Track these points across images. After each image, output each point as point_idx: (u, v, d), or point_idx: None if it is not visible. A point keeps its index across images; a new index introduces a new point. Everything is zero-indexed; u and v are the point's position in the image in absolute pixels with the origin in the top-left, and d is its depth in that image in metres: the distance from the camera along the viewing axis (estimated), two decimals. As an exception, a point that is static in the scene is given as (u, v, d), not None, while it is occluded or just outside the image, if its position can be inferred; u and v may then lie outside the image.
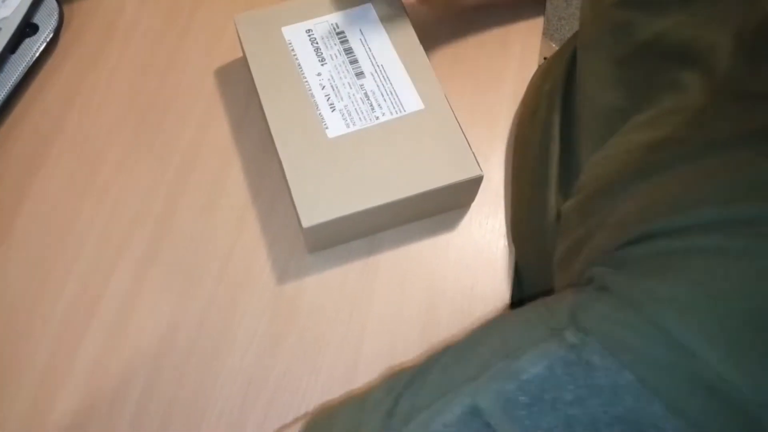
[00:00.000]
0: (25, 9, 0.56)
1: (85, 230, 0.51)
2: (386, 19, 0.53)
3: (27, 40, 0.57)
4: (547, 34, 0.68)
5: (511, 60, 0.59)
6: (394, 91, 0.50)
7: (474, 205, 0.53)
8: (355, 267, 0.50)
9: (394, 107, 0.49)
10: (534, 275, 0.51)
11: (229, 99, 0.57)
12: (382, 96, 0.50)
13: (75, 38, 0.59)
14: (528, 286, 0.52)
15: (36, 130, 0.55)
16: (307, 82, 0.51)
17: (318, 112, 0.49)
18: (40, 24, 0.57)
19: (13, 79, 0.55)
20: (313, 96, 0.50)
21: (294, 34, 0.53)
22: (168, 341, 0.47)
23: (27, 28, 0.57)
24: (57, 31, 0.58)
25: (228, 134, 0.55)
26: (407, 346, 0.48)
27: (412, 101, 0.49)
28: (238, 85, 0.58)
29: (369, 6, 0.54)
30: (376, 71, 0.51)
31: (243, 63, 0.58)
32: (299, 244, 0.51)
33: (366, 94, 0.50)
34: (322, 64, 0.51)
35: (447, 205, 0.51)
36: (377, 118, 0.49)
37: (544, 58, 0.74)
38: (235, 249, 0.51)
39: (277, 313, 0.48)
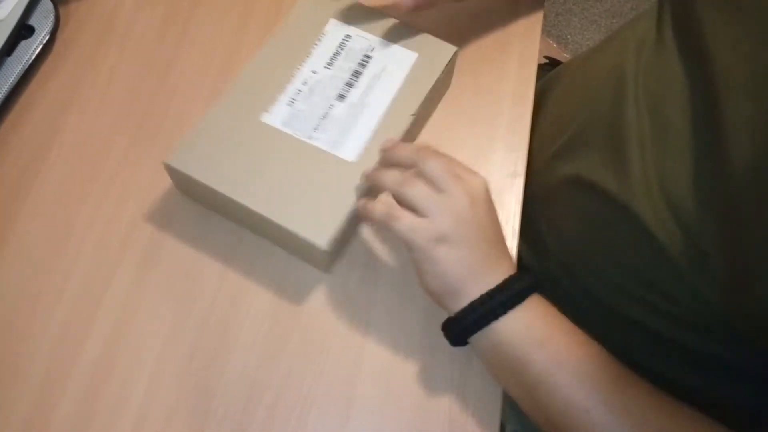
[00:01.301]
0: (20, 11, 0.56)
1: (86, 232, 0.51)
2: (414, 75, 0.51)
3: (23, 43, 0.56)
4: (544, 30, 0.68)
5: (510, 59, 0.59)
6: (348, 131, 0.49)
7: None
8: (357, 270, 0.50)
9: (332, 142, 0.48)
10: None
11: (228, 100, 0.57)
12: (335, 126, 0.49)
13: (72, 40, 0.59)
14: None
15: (33, 132, 0.55)
16: (299, 70, 0.51)
17: (277, 96, 0.50)
18: (36, 26, 0.57)
19: (9, 82, 0.55)
20: (289, 82, 0.50)
21: (335, 30, 0.53)
22: (170, 344, 0.47)
23: (23, 31, 0.57)
24: (53, 33, 0.58)
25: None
26: (409, 348, 0.47)
27: (351, 150, 0.48)
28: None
29: (416, 55, 0.52)
30: (355, 105, 0.50)
31: (242, 62, 0.58)
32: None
33: (326, 115, 0.49)
34: (325, 67, 0.51)
35: (301, 252, 0.49)
36: (310, 138, 0.48)
37: (545, 57, 0.74)
38: (237, 251, 0.50)
39: (278, 314, 0.48)
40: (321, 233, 0.45)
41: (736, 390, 0.43)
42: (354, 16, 0.53)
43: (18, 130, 0.55)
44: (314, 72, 0.51)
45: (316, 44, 0.52)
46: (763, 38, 0.38)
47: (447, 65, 0.52)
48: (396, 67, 0.51)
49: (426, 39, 0.53)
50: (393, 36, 0.53)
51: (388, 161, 0.46)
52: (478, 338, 0.42)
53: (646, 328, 0.42)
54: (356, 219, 0.47)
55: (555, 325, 0.42)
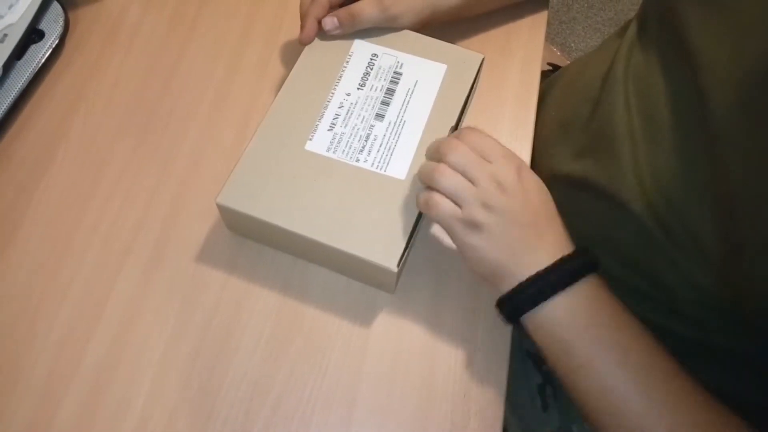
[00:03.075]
0: (31, 16, 0.57)
1: (90, 234, 0.51)
2: (447, 87, 0.51)
3: (33, 47, 0.57)
4: (548, 38, 0.68)
5: (513, 65, 0.59)
6: (393, 149, 0.49)
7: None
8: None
9: (380, 162, 0.48)
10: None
11: (234, 103, 0.57)
12: (380, 146, 0.49)
13: (80, 44, 0.60)
14: None
15: (41, 135, 0.55)
16: (332, 94, 0.51)
17: (316, 123, 0.49)
18: (46, 30, 0.58)
19: (19, 85, 0.55)
20: (325, 108, 0.50)
21: (360, 50, 0.53)
22: (173, 345, 0.47)
23: (33, 35, 0.57)
24: (62, 38, 0.58)
25: (232, 138, 0.56)
26: (412, 350, 0.48)
27: (399, 168, 0.48)
28: (242, 88, 0.58)
29: (445, 67, 0.52)
30: (395, 123, 0.50)
31: (246, 68, 0.59)
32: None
33: (368, 136, 0.49)
34: (358, 88, 0.51)
35: (367, 278, 0.49)
36: (357, 161, 0.48)
37: (548, 64, 0.75)
38: (241, 253, 0.51)
39: (281, 317, 0.49)
40: (389, 256, 0.44)
41: (741, 384, 0.43)
42: (376, 33, 0.53)
43: (26, 132, 0.55)
44: (348, 94, 0.51)
45: (345, 66, 0.52)
46: (746, 31, 0.38)
47: (477, 73, 0.52)
48: (428, 80, 0.51)
49: (451, 49, 0.53)
50: (419, 50, 0.53)
51: (427, 156, 0.46)
52: (527, 317, 0.42)
53: (648, 321, 0.42)
54: (413, 236, 0.47)
55: (604, 309, 0.41)
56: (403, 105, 0.50)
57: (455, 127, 0.50)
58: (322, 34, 0.53)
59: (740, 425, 0.38)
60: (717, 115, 0.38)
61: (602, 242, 0.46)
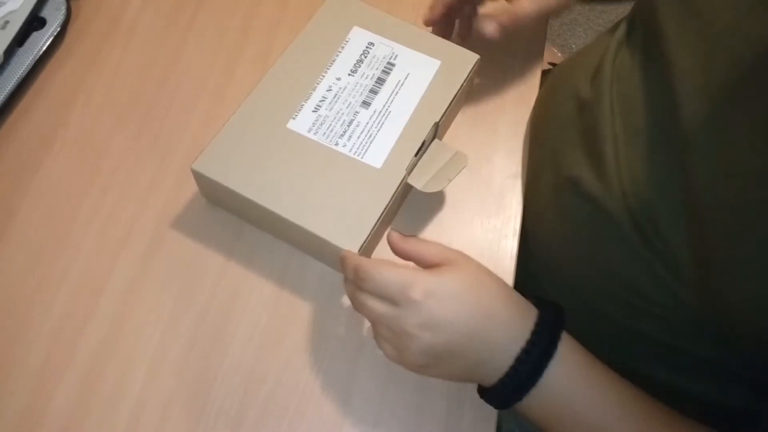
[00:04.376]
0: (33, 3, 0.57)
1: (86, 225, 0.51)
2: (437, 82, 0.51)
3: (34, 34, 0.57)
4: (549, 39, 0.68)
5: (515, 64, 0.60)
6: (374, 137, 0.49)
7: (476, 205, 0.53)
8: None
9: (358, 148, 0.48)
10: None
11: (231, 97, 0.57)
12: (361, 133, 0.49)
13: (80, 33, 0.60)
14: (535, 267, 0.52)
15: (40, 123, 0.55)
16: (323, 76, 0.51)
17: (302, 102, 0.50)
18: (47, 18, 0.58)
19: (19, 73, 0.55)
20: (313, 89, 0.50)
21: (357, 37, 0.53)
22: (168, 336, 0.47)
23: (35, 22, 0.57)
24: (64, 26, 0.58)
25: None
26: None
27: (376, 156, 0.48)
28: (242, 82, 0.58)
29: (438, 63, 0.52)
30: (380, 112, 0.50)
31: (246, 60, 0.59)
32: (301, 241, 0.51)
33: (351, 122, 0.49)
34: (349, 74, 0.51)
35: (329, 259, 0.48)
36: (337, 144, 0.49)
37: (549, 63, 0.75)
38: (238, 244, 0.51)
39: (277, 309, 0.49)
40: (352, 240, 0.45)
41: (723, 393, 0.43)
42: (377, 23, 0.54)
43: (25, 120, 0.55)
44: (338, 79, 0.51)
45: (339, 51, 0.52)
46: (716, 40, 0.38)
47: (470, 73, 0.52)
48: (419, 74, 0.52)
49: (448, 47, 0.53)
50: (415, 44, 0.53)
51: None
52: (517, 405, 0.40)
53: (630, 329, 0.42)
54: (382, 225, 0.48)
55: (585, 379, 0.40)
56: (391, 95, 0.51)
57: (438, 124, 0.50)
58: (323, 14, 0.53)
59: None
60: (687, 123, 0.38)
61: (581, 247, 0.46)
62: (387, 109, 0.50)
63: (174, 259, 0.50)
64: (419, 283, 0.37)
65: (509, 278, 0.50)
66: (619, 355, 0.43)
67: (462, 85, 0.52)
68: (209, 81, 0.58)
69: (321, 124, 0.49)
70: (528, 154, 0.55)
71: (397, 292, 0.38)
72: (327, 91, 0.51)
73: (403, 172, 0.48)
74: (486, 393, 0.41)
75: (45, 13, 0.58)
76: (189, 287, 0.49)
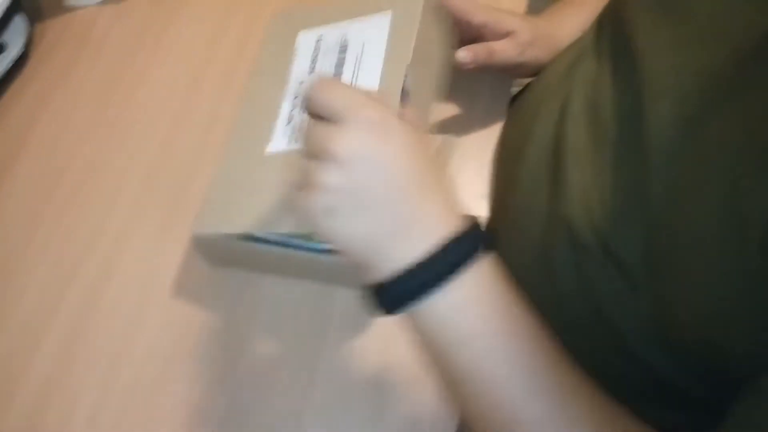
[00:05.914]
0: (-8, 28, 0.57)
1: (42, 248, 0.51)
2: (395, 32, 0.49)
3: (-6, 59, 0.57)
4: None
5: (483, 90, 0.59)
6: None
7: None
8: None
9: None
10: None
11: (196, 115, 0.57)
12: None
13: (46, 56, 0.60)
14: None
15: (0, 145, 0.55)
16: (286, 90, 0.50)
17: (272, 123, 0.49)
18: (9, 43, 0.58)
19: (-21, 97, 0.55)
20: (280, 107, 0.49)
21: (305, 40, 0.52)
22: (115, 367, 0.47)
23: (-6, 48, 0.57)
24: (26, 50, 0.58)
25: (192, 150, 0.55)
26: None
27: None
28: (205, 101, 0.58)
29: (390, 14, 0.50)
30: None
31: (212, 80, 0.58)
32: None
33: None
34: (309, 73, 0.50)
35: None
36: None
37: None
38: (201, 266, 0.50)
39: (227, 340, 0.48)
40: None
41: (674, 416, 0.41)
42: (319, 17, 0.52)
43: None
44: (302, 82, 0.50)
45: (292, 61, 0.51)
46: (690, 42, 0.36)
47: (425, 3, 0.49)
48: (375, 37, 0.50)
49: None
50: (361, 11, 0.51)
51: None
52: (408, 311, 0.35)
53: (591, 358, 0.39)
54: None
55: (491, 311, 0.34)
56: (354, 71, 0.49)
57: (410, 65, 0.47)
58: (267, 39, 0.53)
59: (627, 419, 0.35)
60: (651, 131, 0.36)
61: (543, 268, 0.44)
62: (355, 84, 0.48)
63: (130, 285, 0.49)
64: (381, 109, 0.33)
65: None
66: (598, 362, 0.41)
67: (421, 19, 0.48)
68: (174, 99, 0.58)
69: (299, 130, 0.48)
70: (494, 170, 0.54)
71: (350, 104, 0.33)
72: (294, 98, 0.50)
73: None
74: (381, 287, 0.34)
75: (6, 37, 0.58)
76: (139, 314, 0.48)
